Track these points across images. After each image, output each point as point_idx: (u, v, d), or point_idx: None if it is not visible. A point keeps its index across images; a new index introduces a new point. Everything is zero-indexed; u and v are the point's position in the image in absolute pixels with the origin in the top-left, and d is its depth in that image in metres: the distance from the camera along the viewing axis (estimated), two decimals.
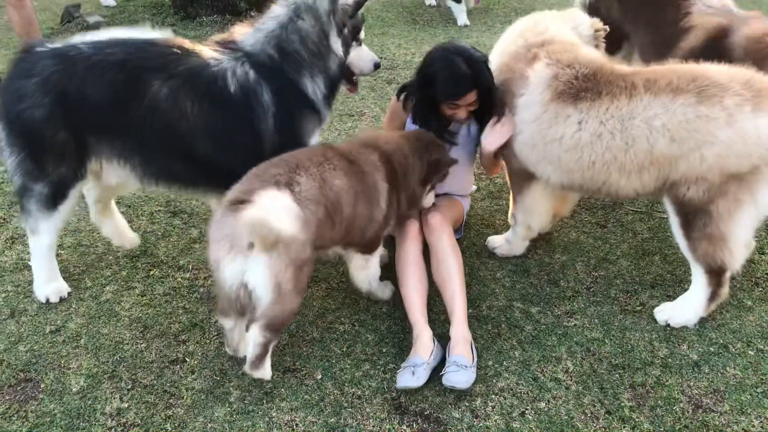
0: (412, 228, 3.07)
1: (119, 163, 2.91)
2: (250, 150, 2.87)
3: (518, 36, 3.11)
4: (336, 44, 2.97)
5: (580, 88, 2.83)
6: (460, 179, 3.40)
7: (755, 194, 2.68)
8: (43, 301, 3.10)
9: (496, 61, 3.12)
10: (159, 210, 3.78)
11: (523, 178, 3.15)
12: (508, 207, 3.74)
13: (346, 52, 3.06)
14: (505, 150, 3.13)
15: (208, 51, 2.93)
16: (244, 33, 3.00)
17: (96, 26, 6.62)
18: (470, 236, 3.58)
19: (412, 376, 2.58)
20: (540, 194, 3.19)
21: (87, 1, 7.54)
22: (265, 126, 2.91)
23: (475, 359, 2.71)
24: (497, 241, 3.45)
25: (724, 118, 2.60)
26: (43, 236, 3.01)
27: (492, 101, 3.09)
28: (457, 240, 3.46)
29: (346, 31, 3.00)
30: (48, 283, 3.11)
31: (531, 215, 3.26)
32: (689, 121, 2.64)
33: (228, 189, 2.58)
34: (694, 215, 2.74)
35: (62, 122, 2.78)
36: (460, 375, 2.57)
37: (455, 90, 3.02)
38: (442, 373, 2.61)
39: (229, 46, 2.96)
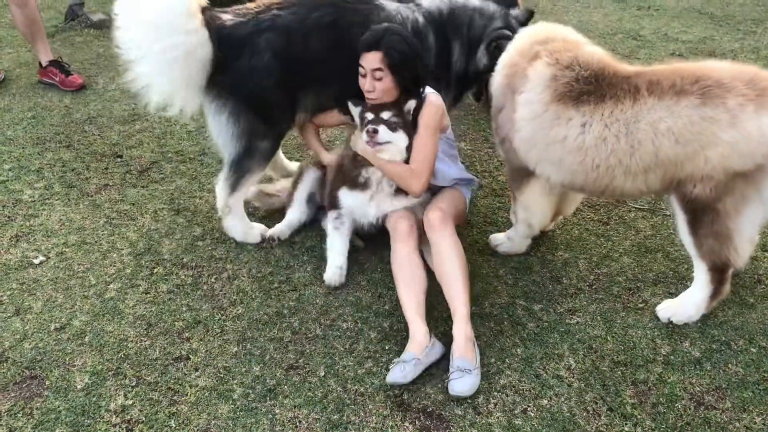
0: (402, 227, 3.10)
1: (317, 109, 3.45)
2: None
3: (529, 32, 3.14)
4: (482, 58, 3.53)
5: (582, 90, 2.82)
6: (442, 167, 3.33)
7: (762, 191, 2.68)
8: (256, 241, 3.51)
9: (505, 57, 3.14)
10: (162, 208, 3.79)
11: (522, 175, 3.15)
12: (511, 204, 3.75)
13: (487, 67, 3.44)
14: (506, 146, 3.14)
15: (389, 3, 3.42)
16: None
17: (100, 24, 6.63)
18: (473, 234, 3.59)
19: (400, 372, 2.61)
20: (539, 192, 3.19)
21: None
22: (428, 60, 3.39)
23: (479, 359, 2.72)
24: (499, 239, 3.46)
25: (728, 119, 2.59)
26: (241, 193, 3.44)
27: (413, 89, 3.13)
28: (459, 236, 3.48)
29: (493, 46, 3.45)
30: (251, 229, 3.53)
31: (531, 213, 3.27)
32: (693, 123, 2.63)
33: None
34: (701, 212, 2.74)
35: (286, 83, 3.23)
36: (464, 382, 2.58)
37: (363, 41, 3.07)
38: (447, 379, 2.62)
39: (405, 1, 3.50)
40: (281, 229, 3.54)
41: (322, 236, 3.52)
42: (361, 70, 3.11)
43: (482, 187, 4.02)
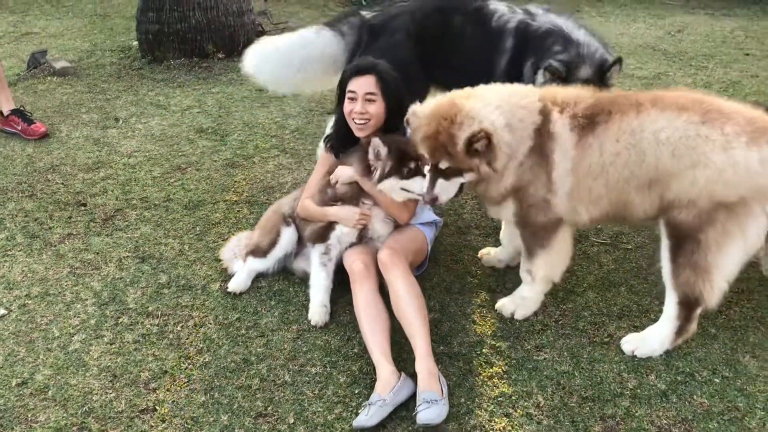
0: (357, 268, 3.15)
1: (434, 84, 4.03)
2: (485, 74, 3.50)
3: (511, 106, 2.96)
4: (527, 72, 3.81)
5: (591, 117, 2.89)
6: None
7: (744, 228, 2.73)
8: None
9: (505, 137, 2.88)
10: (127, 256, 3.75)
11: (552, 229, 3.07)
12: (476, 243, 3.80)
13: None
14: (535, 210, 3.03)
15: (498, 2, 3.99)
16: (544, 9, 3.93)
17: (63, 72, 6.62)
18: (440, 272, 3.61)
19: (365, 415, 2.60)
20: (567, 239, 3.14)
21: (54, 47, 7.54)
22: (498, 62, 3.85)
23: (446, 391, 2.72)
24: (511, 306, 3.26)
25: (722, 142, 2.69)
26: None
27: (397, 120, 3.23)
28: (424, 276, 3.49)
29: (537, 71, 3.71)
30: None
31: (555, 266, 3.17)
32: (689, 138, 2.73)
33: None
34: (684, 240, 2.80)
35: (417, 57, 3.94)
36: (431, 411, 2.58)
37: (356, 67, 3.32)
38: (414, 412, 2.61)
39: (524, 8, 3.94)
40: (242, 281, 3.44)
41: (289, 279, 3.52)
42: (350, 94, 3.25)
43: (447, 225, 4.05)
